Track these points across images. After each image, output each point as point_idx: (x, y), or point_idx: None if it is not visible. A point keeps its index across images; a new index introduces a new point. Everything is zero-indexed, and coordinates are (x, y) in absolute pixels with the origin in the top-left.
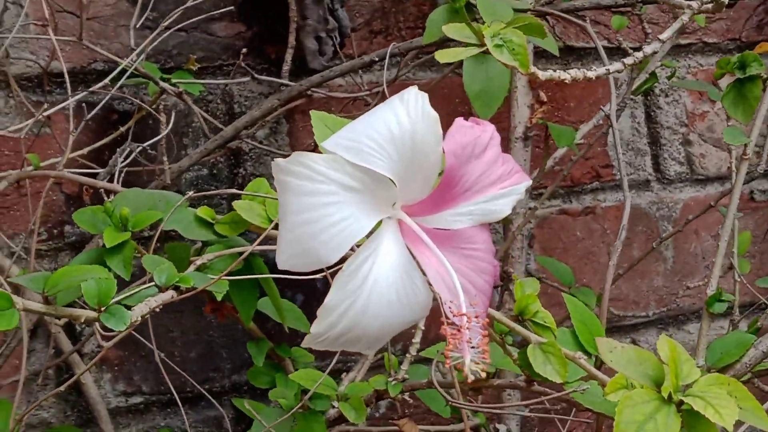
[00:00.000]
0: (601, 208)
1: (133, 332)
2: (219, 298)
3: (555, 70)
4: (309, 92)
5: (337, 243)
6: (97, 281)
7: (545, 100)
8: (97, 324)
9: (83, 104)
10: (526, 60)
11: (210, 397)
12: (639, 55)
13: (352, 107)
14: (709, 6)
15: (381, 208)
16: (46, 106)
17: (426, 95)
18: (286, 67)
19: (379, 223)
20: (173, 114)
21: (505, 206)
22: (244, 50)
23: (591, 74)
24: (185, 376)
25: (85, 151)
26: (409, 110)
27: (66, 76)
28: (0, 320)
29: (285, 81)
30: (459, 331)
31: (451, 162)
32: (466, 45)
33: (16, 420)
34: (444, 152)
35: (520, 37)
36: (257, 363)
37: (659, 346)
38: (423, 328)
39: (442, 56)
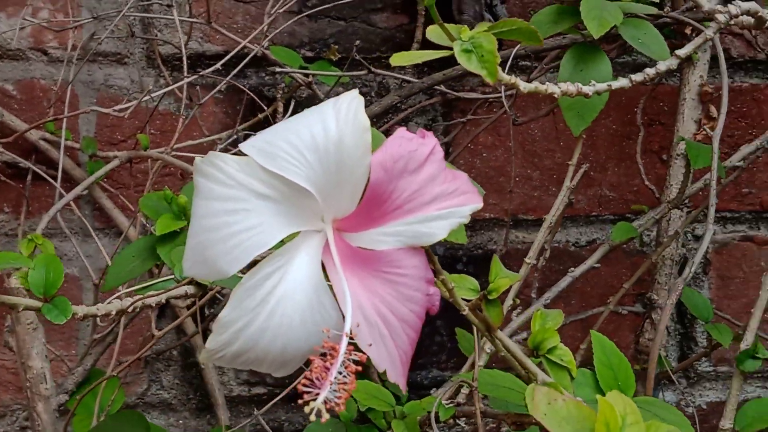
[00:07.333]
0: None
1: None
2: None
3: (544, 83)
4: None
5: (237, 255)
6: (47, 271)
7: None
8: None
9: (231, 89)
10: (494, 68)
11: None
12: (652, 70)
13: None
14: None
15: (305, 221)
16: (184, 87)
17: (361, 100)
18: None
19: (292, 235)
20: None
21: (440, 230)
22: None
23: (588, 89)
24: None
25: (221, 135)
26: (339, 117)
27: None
28: None
29: (407, 77)
30: (328, 361)
31: (379, 175)
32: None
33: None
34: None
35: (490, 42)
36: None
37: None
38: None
39: (396, 59)
